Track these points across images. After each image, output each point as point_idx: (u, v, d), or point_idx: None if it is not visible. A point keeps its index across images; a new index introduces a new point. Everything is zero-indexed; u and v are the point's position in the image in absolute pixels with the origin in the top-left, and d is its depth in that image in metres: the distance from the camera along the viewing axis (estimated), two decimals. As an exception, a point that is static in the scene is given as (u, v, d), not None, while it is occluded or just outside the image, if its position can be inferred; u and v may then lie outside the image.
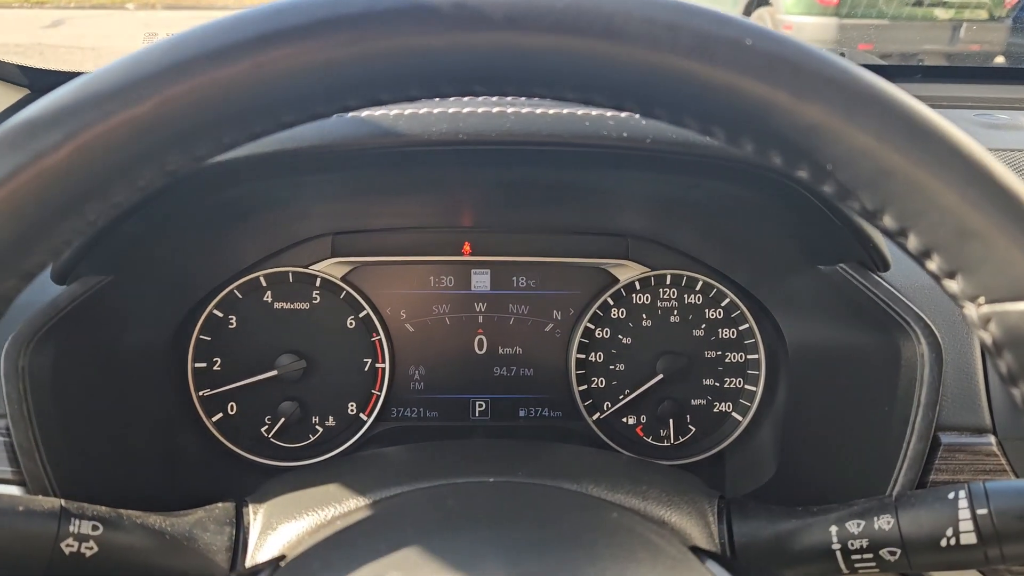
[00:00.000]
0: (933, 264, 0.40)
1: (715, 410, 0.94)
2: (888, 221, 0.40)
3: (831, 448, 0.80)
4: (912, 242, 0.40)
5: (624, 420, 0.94)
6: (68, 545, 0.54)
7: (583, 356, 0.93)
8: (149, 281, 0.81)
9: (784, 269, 0.82)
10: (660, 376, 0.92)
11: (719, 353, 0.93)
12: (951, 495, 0.59)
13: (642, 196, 0.87)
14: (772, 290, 0.87)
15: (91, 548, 0.55)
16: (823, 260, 0.75)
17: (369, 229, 0.92)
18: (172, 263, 0.84)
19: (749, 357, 0.93)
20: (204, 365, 0.91)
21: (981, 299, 0.39)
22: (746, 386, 0.93)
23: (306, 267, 0.92)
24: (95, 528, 0.55)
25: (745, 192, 0.74)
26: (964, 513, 0.57)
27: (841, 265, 0.74)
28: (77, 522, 0.54)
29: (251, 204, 0.84)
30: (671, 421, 0.93)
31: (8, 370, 0.67)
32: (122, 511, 0.57)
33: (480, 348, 0.95)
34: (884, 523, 0.60)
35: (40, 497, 0.55)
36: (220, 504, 0.61)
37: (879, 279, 0.73)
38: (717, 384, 0.93)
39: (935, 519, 0.58)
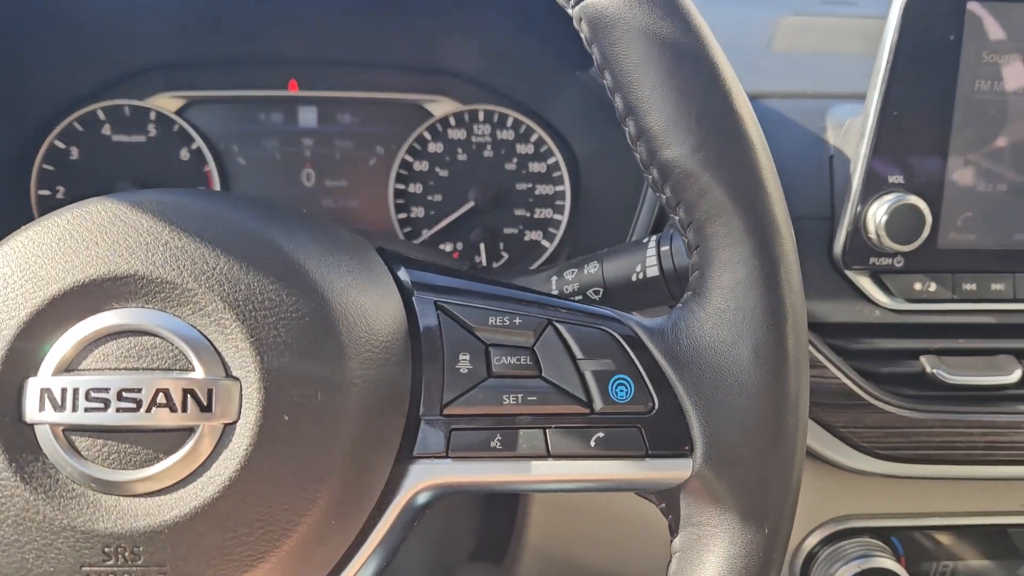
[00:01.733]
0: None
1: (526, 239, 1.01)
2: None
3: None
4: None
5: (440, 247, 1.01)
6: None
7: (402, 187, 1.00)
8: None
9: (555, 83, 0.88)
10: (471, 204, 0.98)
11: (530, 186, 1.00)
12: (644, 240, 0.67)
13: (449, 30, 0.93)
14: (557, 110, 0.93)
15: None
16: (579, 65, 0.82)
17: (200, 63, 0.98)
18: (8, 84, 0.90)
19: (557, 189, 1.00)
20: (48, 193, 0.98)
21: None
22: (554, 216, 1.00)
23: (141, 100, 0.98)
24: None
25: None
26: (651, 252, 0.65)
27: (593, 69, 0.80)
28: None
29: (83, 28, 0.89)
30: (482, 247, 1.00)
31: None
32: None
33: (308, 181, 1.01)
34: (592, 269, 0.68)
35: None
36: None
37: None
38: (528, 214, 1.00)
39: (629, 260, 0.66)
